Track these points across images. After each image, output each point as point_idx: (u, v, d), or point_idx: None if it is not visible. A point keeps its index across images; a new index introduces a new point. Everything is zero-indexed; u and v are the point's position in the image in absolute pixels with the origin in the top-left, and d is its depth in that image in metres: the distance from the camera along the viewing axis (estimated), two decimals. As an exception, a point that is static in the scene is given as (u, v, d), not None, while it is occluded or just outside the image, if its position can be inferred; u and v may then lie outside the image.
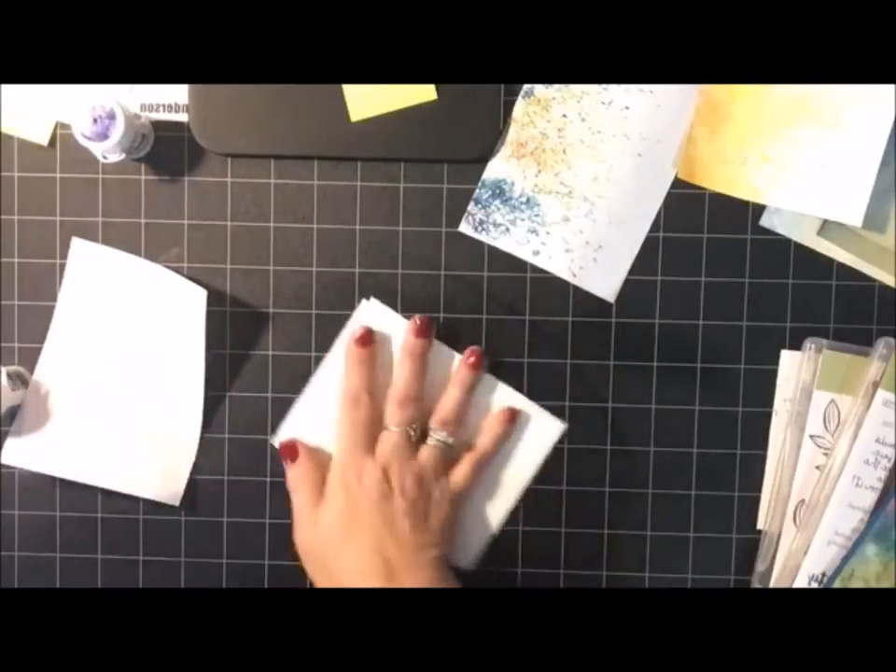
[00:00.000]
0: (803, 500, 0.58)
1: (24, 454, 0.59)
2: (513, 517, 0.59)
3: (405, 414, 0.56)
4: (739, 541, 0.60)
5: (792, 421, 0.58)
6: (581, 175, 0.59)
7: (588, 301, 0.59)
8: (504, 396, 0.59)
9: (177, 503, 0.60)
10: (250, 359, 0.60)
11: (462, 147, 0.58)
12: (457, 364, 0.58)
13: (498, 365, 0.59)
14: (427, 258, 0.59)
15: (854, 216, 0.56)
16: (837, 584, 0.57)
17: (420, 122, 0.58)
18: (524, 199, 0.59)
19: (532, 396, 0.59)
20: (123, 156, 0.58)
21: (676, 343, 0.59)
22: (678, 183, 0.59)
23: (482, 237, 0.59)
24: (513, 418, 0.58)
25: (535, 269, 0.59)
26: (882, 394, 0.57)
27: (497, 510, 0.59)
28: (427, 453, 0.56)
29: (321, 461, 0.57)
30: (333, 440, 0.58)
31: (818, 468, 0.58)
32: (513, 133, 0.59)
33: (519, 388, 0.59)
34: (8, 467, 0.60)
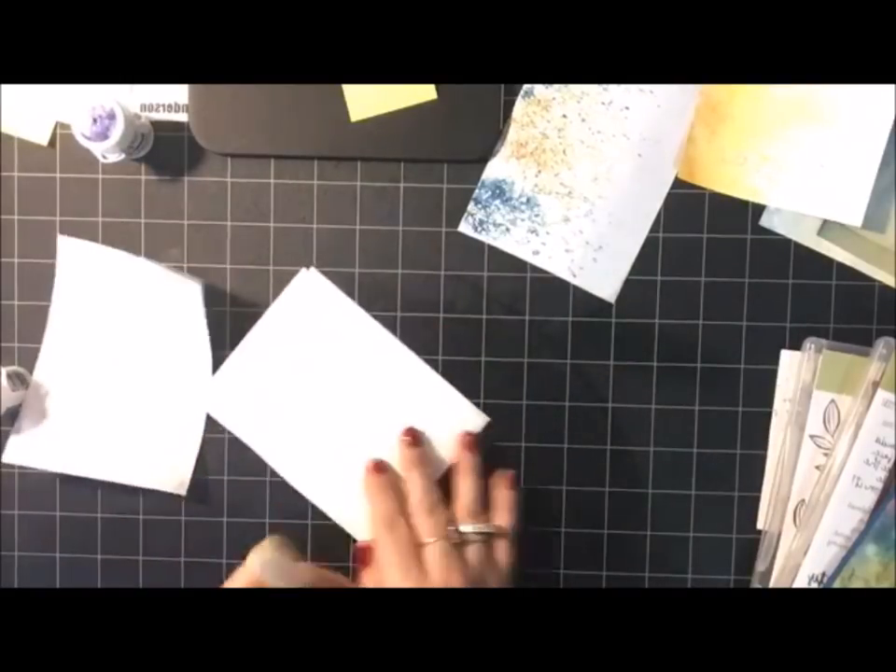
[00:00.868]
0: (803, 500, 0.58)
1: (27, 452, 0.59)
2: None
3: (438, 521, 0.55)
4: (739, 541, 0.60)
5: (792, 421, 0.58)
6: (581, 176, 0.59)
7: (588, 301, 0.59)
8: (433, 385, 0.58)
9: (184, 492, 0.60)
10: (250, 359, 0.60)
11: (462, 147, 0.58)
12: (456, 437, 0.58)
13: (498, 365, 0.59)
14: (427, 258, 0.59)
15: (854, 216, 0.56)
16: (837, 584, 0.57)
17: (420, 122, 0.58)
18: (524, 199, 0.59)
19: (532, 396, 0.59)
20: (123, 156, 0.58)
21: (676, 343, 0.59)
22: (678, 183, 0.59)
23: (482, 237, 0.59)
24: (514, 483, 0.58)
25: (535, 269, 0.59)
26: (882, 394, 0.57)
27: None
28: (474, 552, 0.55)
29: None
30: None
31: (818, 468, 0.58)
32: (513, 133, 0.59)
33: (519, 388, 0.59)
34: (9, 466, 0.60)
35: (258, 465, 0.60)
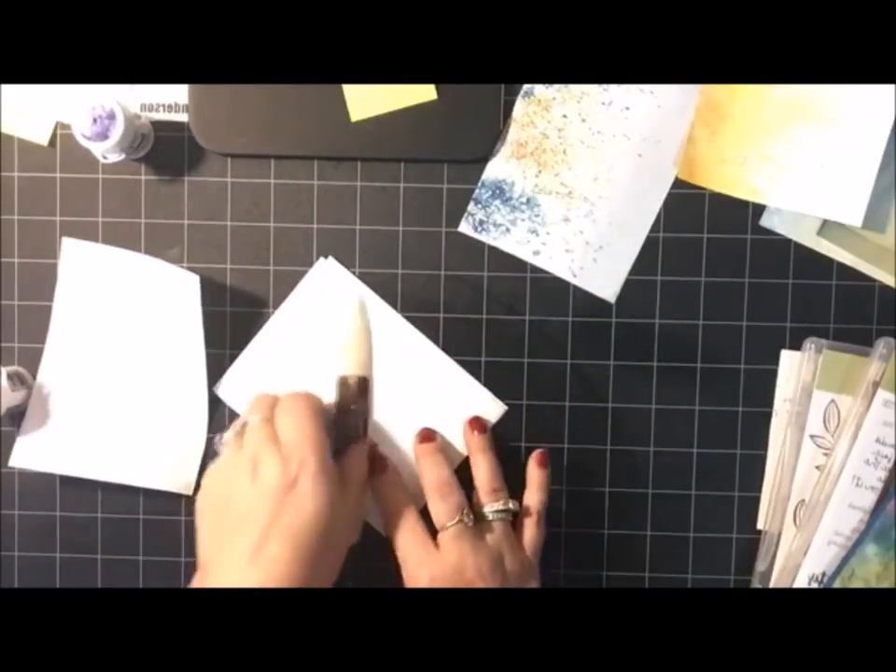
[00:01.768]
0: (803, 500, 0.58)
1: (34, 455, 0.59)
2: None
3: (451, 505, 0.55)
4: (739, 541, 0.60)
5: (792, 421, 0.58)
6: (581, 176, 0.59)
7: (588, 301, 0.59)
8: (452, 375, 0.59)
9: (191, 492, 0.60)
10: (250, 359, 0.60)
11: (462, 146, 0.58)
12: (463, 428, 0.59)
13: (498, 365, 0.59)
14: (427, 258, 0.59)
15: (854, 216, 0.56)
16: (837, 584, 0.57)
17: (420, 122, 0.58)
18: (524, 199, 0.59)
19: (532, 396, 0.59)
20: (123, 156, 0.58)
21: (676, 342, 0.59)
22: (678, 183, 0.59)
23: (482, 237, 0.59)
24: (545, 460, 0.58)
25: (535, 269, 0.59)
26: (882, 394, 0.57)
27: None
28: (492, 531, 0.56)
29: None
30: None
31: (818, 468, 0.58)
32: (513, 133, 0.59)
33: (519, 388, 0.59)
34: (11, 467, 0.60)
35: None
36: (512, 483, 0.58)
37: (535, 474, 0.58)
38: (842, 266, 0.59)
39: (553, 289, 0.59)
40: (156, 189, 0.60)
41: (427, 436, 0.58)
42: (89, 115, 0.55)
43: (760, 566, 0.59)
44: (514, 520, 0.57)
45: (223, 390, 0.59)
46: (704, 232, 0.59)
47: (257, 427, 0.52)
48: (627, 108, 0.59)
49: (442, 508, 0.55)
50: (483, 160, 0.59)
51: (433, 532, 0.56)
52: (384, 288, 0.59)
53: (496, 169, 0.59)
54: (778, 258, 0.59)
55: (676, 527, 0.60)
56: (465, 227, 0.59)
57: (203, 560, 0.52)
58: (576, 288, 0.59)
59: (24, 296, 0.60)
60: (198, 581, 0.52)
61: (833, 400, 0.58)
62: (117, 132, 0.55)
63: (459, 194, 0.59)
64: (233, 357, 0.60)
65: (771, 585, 0.58)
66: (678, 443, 0.60)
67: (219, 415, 0.60)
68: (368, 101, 0.58)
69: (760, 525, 0.59)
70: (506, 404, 0.60)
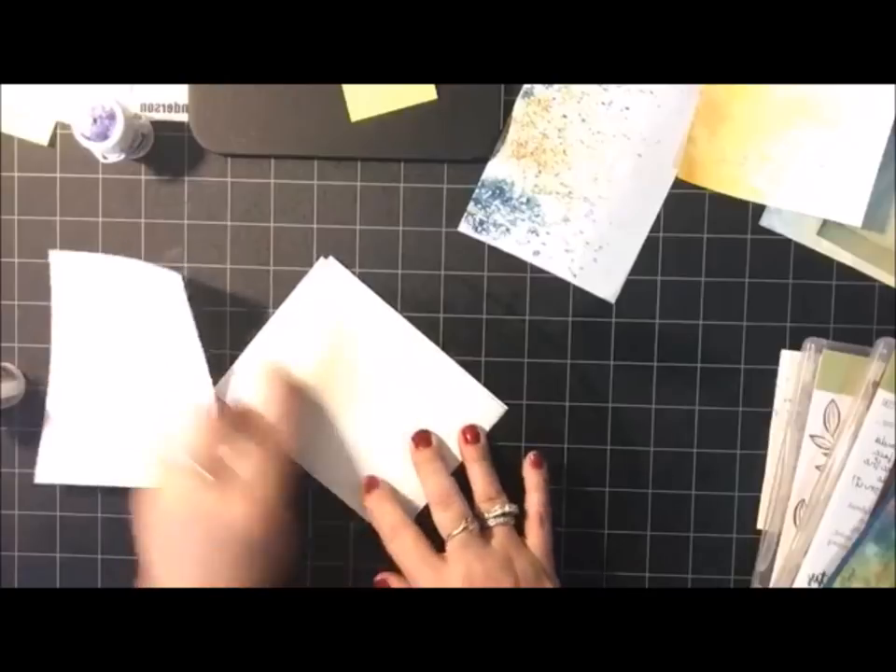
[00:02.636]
0: (803, 500, 0.58)
1: (57, 471, 0.60)
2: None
3: (454, 514, 0.55)
4: (739, 541, 0.60)
5: (792, 421, 0.58)
6: (581, 176, 0.59)
7: (588, 301, 0.59)
8: (452, 375, 0.59)
9: None
10: (250, 359, 0.60)
11: (462, 146, 0.58)
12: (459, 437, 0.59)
13: (498, 365, 0.59)
14: (427, 258, 0.59)
15: (854, 216, 0.56)
16: (837, 584, 0.57)
17: (420, 122, 0.58)
18: (524, 199, 0.59)
19: (532, 396, 0.59)
20: (123, 156, 0.58)
21: (676, 343, 0.59)
22: (678, 183, 0.59)
23: (482, 237, 0.59)
24: (540, 461, 0.58)
25: (535, 269, 0.59)
26: (882, 394, 0.57)
27: None
28: (495, 535, 0.56)
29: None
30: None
31: (818, 468, 0.58)
32: (513, 133, 0.59)
33: (519, 388, 0.59)
34: (9, 466, 0.60)
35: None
36: (512, 484, 0.58)
37: (531, 476, 0.58)
38: (842, 266, 0.59)
39: (552, 289, 0.59)
40: (156, 189, 0.60)
41: (424, 441, 0.58)
42: (89, 115, 0.55)
43: (760, 566, 0.59)
44: (519, 523, 0.57)
45: (223, 390, 0.59)
46: (704, 232, 0.59)
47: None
48: (627, 108, 0.59)
49: (447, 517, 0.56)
50: (483, 160, 0.59)
51: (433, 539, 0.56)
52: (384, 288, 0.59)
53: (496, 169, 0.59)
54: (778, 258, 0.59)
55: (676, 527, 0.60)
56: (465, 227, 0.59)
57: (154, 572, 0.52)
58: (576, 288, 0.59)
59: (24, 296, 0.60)
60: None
61: (832, 400, 0.58)
62: (117, 132, 0.55)
63: (459, 194, 0.59)
64: (233, 358, 0.60)
65: (771, 585, 0.58)
66: (678, 443, 0.60)
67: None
68: (368, 101, 0.58)
69: (760, 525, 0.59)
70: (506, 404, 0.59)
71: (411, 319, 0.59)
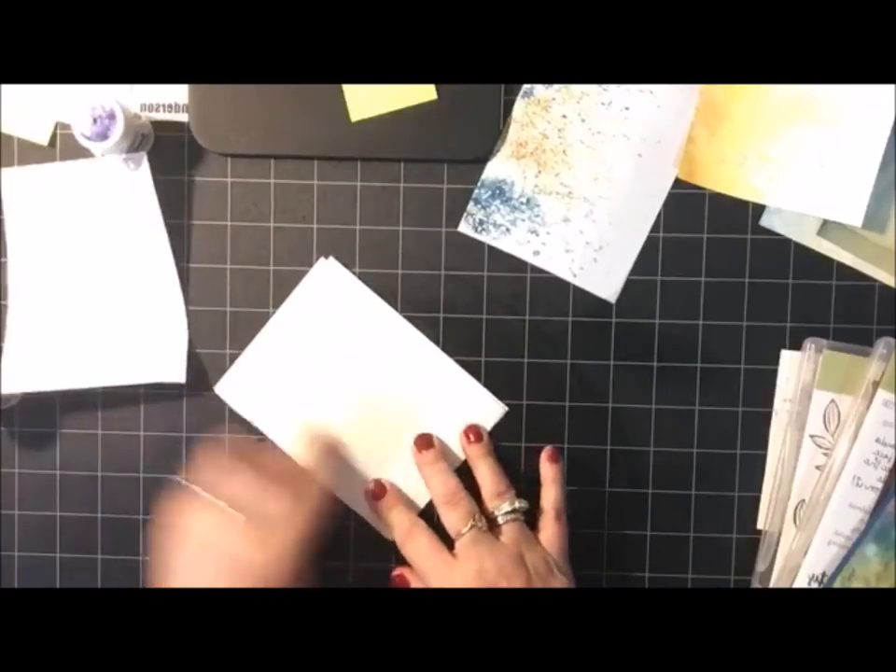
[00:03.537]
0: (803, 500, 0.58)
1: (20, 379, 0.59)
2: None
3: (462, 512, 0.55)
4: (739, 541, 0.60)
5: (792, 421, 0.58)
6: (581, 176, 0.59)
7: (588, 301, 0.59)
8: (452, 376, 0.59)
9: (183, 380, 0.59)
10: (250, 359, 0.60)
11: (462, 146, 0.58)
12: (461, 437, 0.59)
13: (498, 365, 0.59)
14: (427, 258, 0.59)
15: (854, 216, 0.56)
16: (837, 584, 0.57)
17: (420, 122, 0.58)
18: (524, 199, 0.59)
19: (532, 396, 0.59)
20: (123, 156, 0.58)
21: (676, 343, 0.59)
22: (678, 183, 0.59)
23: (482, 237, 0.59)
24: (557, 456, 0.58)
25: (535, 269, 0.59)
26: (882, 394, 0.57)
27: None
28: (505, 531, 0.56)
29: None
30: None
31: (818, 468, 0.58)
32: (513, 133, 0.59)
33: (519, 388, 0.59)
34: (9, 465, 0.60)
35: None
36: (514, 483, 0.58)
37: (547, 470, 0.58)
38: (842, 266, 0.59)
39: (553, 289, 0.59)
40: (156, 189, 0.60)
41: (425, 443, 0.58)
42: (89, 115, 0.55)
43: (760, 566, 0.59)
44: (532, 518, 0.57)
45: (223, 390, 0.59)
46: (704, 232, 0.59)
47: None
48: (627, 108, 0.59)
49: (455, 516, 0.55)
50: (483, 160, 0.59)
51: (445, 539, 0.56)
52: (384, 288, 0.59)
53: (495, 169, 0.59)
54: (778, 258, 0.59)
55: (676, 527, 0.60)
56: (465, 227, 0.59)
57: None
58: (576, 288, 0.59)
59: (24, 296, 0.60)
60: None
61: (832, 400, 0.58)
62: (117, 132, 0.55)
63: (459, 194, 0.59)
64: (233, 358, 0.60)
65: (771, 585, 0.58)
66: (678, 443, 0.60)
67: (220, 415, 0.60)
68: (368, 101, 0.58)
69: (760, 525, 0.59)
70: (506, 404, 0.60)
71: (411, 319, 0.59)
